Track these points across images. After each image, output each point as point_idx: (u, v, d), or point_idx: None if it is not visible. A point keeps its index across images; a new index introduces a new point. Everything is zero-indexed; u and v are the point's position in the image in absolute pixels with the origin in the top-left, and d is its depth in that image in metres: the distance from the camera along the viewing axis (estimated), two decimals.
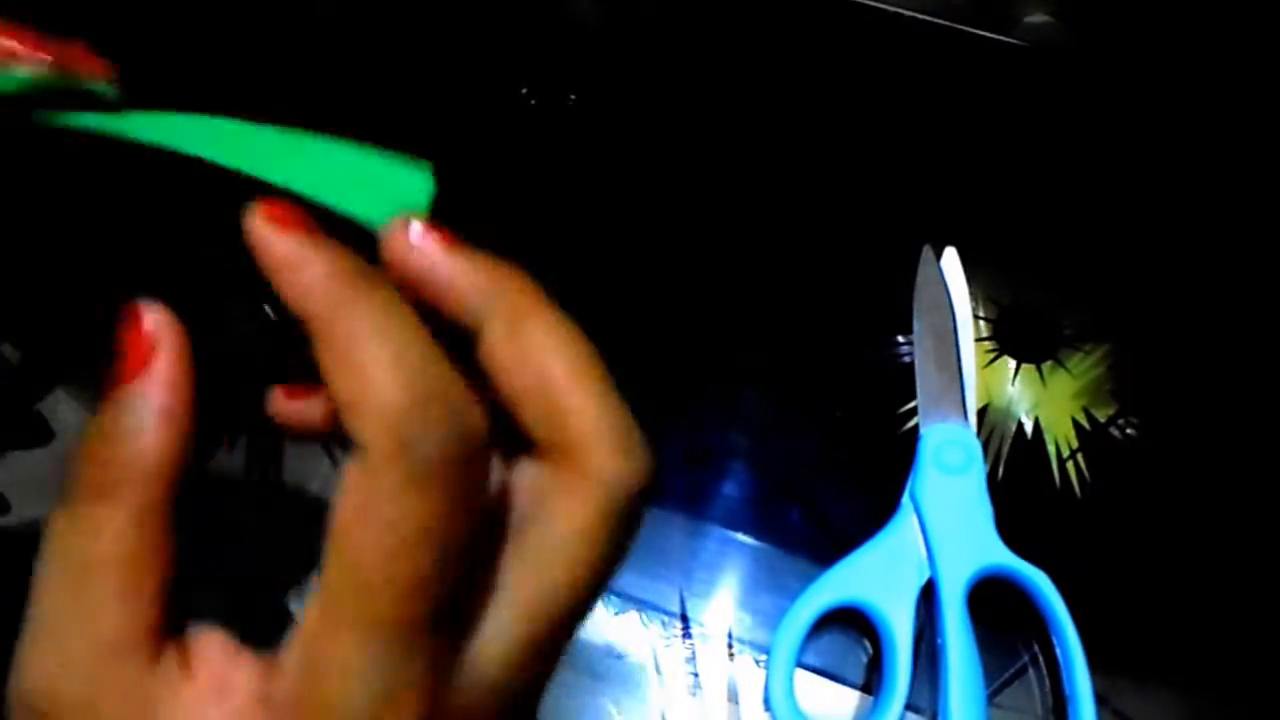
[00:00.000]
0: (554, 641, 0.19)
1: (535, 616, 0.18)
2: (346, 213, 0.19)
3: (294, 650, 0.17)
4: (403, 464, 0.16)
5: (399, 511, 0.16)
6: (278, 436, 0.36)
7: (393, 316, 0.17)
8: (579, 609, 0.19)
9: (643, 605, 0.36)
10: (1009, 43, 0.47)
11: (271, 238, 0.17)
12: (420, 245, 0.19)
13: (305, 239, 0.17)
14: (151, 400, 0.17)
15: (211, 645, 0.18)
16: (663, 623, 0.36)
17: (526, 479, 0.19)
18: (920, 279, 0.39)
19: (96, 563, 0.17)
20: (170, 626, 0.17)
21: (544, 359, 0.19)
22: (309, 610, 0.17)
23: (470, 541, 0.17)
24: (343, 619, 0.16)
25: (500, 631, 0.18)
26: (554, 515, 0.18)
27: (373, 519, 0.16)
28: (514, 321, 0.19)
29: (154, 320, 0.18)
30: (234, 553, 0.34)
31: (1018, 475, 0.38)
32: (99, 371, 0.18)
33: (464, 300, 0.19)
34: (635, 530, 0.19)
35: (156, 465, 0.17)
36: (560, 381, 0.19)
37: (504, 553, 0.18)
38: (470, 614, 0.18)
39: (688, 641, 0.36)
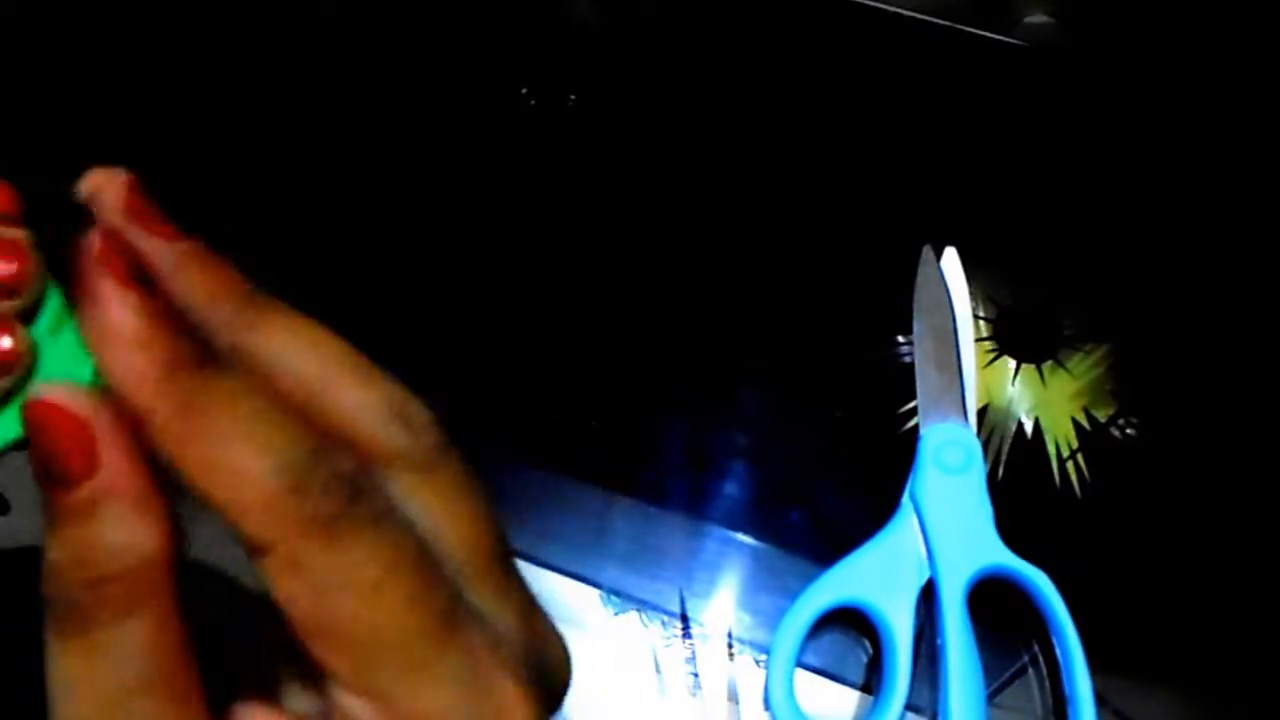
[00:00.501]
0: (510, 573, 0.19)
1: (477, 573, 0.18)
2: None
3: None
4: (309, 531, 0.15)
5: (341, 570, 0.16)
6: None
7: (244, 401, 0.16)
8: (493, 543, 0.19)
9: (643, 605, 0.36)
10: (1009, 43, 0.47)
11: (109, 293, 0.15)
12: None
13: (145, 319, 0.15)
14: (124, 498, 0.15)
15: None
16: (663, 623, 0.36)
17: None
18: (920, 279, 0.39)
19: (134, 686, 0.15)
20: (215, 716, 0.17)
21: (293, 362, 0.17)
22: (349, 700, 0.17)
23: (425, 547, 0.17)
24: (387, 676, 0.16)
25: (483, 590, 0.18)
26: (406, 502, 0.18)
27: (327, 592, 0.16)
28: (251, 332, 0.17)
29: (75, 402, 0.15)
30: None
31: (1018, 475, 0.38)
32: None
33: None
34: (465, 466, 0.19)
35: (162, 564, 0.16)
36: (317, 381, 0.17)
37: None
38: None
39: (688, 641, 0.36)
